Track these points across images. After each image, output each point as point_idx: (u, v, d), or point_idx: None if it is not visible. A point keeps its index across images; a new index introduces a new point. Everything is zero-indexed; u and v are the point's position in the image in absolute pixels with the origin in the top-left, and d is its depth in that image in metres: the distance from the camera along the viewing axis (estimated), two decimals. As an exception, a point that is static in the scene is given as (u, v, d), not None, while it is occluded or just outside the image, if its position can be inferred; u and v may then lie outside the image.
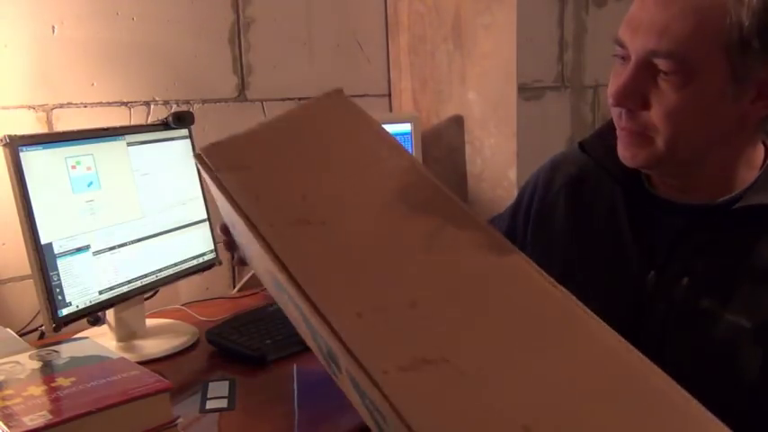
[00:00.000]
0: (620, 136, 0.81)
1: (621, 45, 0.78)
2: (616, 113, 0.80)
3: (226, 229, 0.87)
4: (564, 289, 0.61)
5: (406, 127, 1.59)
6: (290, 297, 0.64)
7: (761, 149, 0.83)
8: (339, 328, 0.56)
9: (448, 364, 0.54)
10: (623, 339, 0.57)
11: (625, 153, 0.81)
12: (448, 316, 0.58)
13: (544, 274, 0.62)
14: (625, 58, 0.78)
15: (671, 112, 0.75)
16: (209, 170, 0.74)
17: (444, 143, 1.69)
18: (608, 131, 0.90)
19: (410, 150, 1.59)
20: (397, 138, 1.62)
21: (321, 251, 0.63)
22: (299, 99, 1.69)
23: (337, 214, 0.67)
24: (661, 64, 0.73)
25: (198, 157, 0.76)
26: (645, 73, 0.75)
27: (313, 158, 0.74)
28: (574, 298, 0.60)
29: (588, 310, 0.59)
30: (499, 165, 1.59)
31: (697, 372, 0.75)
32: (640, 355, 0.57)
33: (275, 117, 0.83)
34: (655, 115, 0.76)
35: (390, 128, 1.58)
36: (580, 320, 0.58)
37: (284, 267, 0.61)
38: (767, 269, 0.77)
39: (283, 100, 1.66)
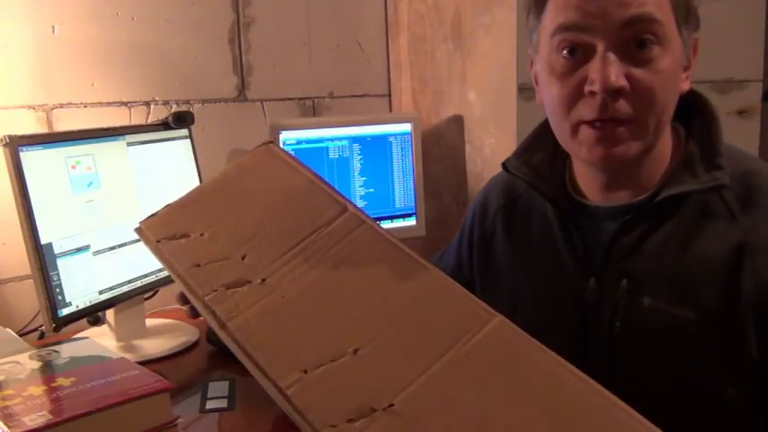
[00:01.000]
0: (597, 136, 0.76)
1: (580, 29, 0.74)
2: (594, 106, 0.74)
3: (184, 297, 0.87)
4: (493, 311, 0.62)
5: (406, 127, 1.59)
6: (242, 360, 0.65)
7: (669, 136, 0.83)
8: (286, 388, 0.57)
9: (393, 411, 0.54)
10: (563, 361, 0.58)
11: (615, 150, 0.76)
12: (389, 359, 0.58)
13: (466, 292, 0.63)
14: (576, 51, 0.75)
15: (659, 84, 0.74)
16: (149, 242, 0.76)
17: (444, 143, 1.69)
18: (529, 149, 0.90)
19: (410, 150, 1.59)
20: (397, 138, 1.61)
21: (263, 310, 0.64)
22: (299, 99, 1.69)
23: (276, 269, 0.67)
24: (640, 34, 0.72)
25: (138, 230, 0.78)
26: (619, 50, 0.73)
27: (250, 216, 0.75)
28: (507, 321, 0.61)
29: (524, 335, 0.59)
30: (499, 165, 1.59)
31: (651, 370, 0.75)
32: (577, 372, 0.58)
33: (210, 180, 0.83)
34: (643, 92, 0.73)
35: (390, 128, 1.58)
36: (519, 347, 0.59)
37: (230, 333, 0.63)
38: (699, 257, 0.77)
39: (283, 100, 1.66)
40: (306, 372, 0.58)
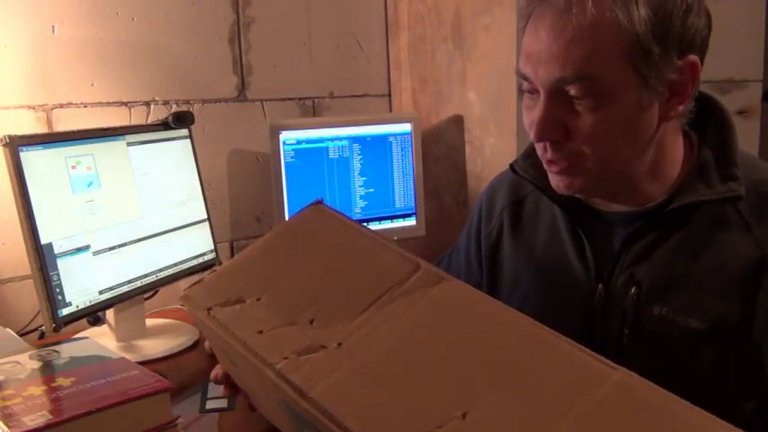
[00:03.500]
0: (549, 168, 0.80)
1: (525, 78, 0.77)
2: (540, 147, 0.79)
3: (226, 376, 0.80)
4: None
5: (406, 127, 1.59)
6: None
7: (681, 144, 0.83)
8: None
9: None
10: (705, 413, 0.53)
11: (559, 184, 0.80)
12: (506, 423, 0.52)
13: (576, 344, 0.57)
14: (532, 92, 0.78)
15: (595, 135, 0.74)
16: (199, 310, 0.69)
17: (444, 143, 1.69)
18: (534, 152, 0.91)
19: (410, 150, 1.59)
20: (397, 138, 1.62)
21: (347, 376, 0.57)
22: (299, 99, 1.69)
23: (351, 333, 0.61)
24: (571, 90, 0.73)
25: (184, 298, 0.71)
26: (557, 102, 0.74)
27: (310, 277, 0.69)
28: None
29: (653, 385, 0.54)
30: (499, 164, 1.59)
31: (660, 379, 0.75)
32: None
33: (258, 242, 0.76)
34: (580, 141, 0.75)
35: (390, 128, 1.58)
36: (651, 399, 0.53)
37: (313, 402, 0.56)
38: (709, 268, 0.77)
39: (283, 100, 1.66)
40: None
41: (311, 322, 0.63)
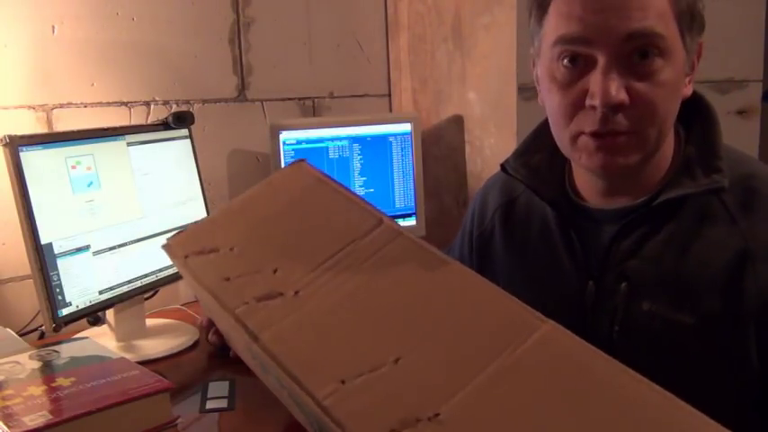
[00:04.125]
0: (598, 146, 0.76)
1: (582, 42, 0.73)
2: (595, 119, 0.74)
3: (210, 322, 0.85)
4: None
5: (406, 127, 1.59)
6: (274, 376, 0.63)
7: (672, 137, 0.83)
8: (323, 399, 0.54)
9: (439, 421, 0.52)
10: (626, 368, 0.56)
11: (616, 159, 0.76)
12: (433, 368, 0.56)
13: (512, 297, 0.62)
14: (577, 62, 0.75)
15: (661, 97, 0.74)
16: (177, 257, 0.74)
17: (444, 143, 1.69)
18: (527, 150, 0.90)
19: (410, 150, 1.59)
20: (397, 138, 1.61)
21: (297, 322, 0.62)
22: (299, 99, 1.69)
23: (309, 282, 0.66)
24: (641, 47, 0.72)
25: (166, 246, 0.76)
26: (621, 63, 0.72)
27: (281, 231, 0.74)
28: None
29: (580, 341, 0.57)
30: (499, 164, 1.59)
31: (650, 374, 0.75)
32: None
33: (239, 197, 0.81)
34: (644, 105, 0.73)
35: (390, 128, 1.58)
36: (573, 354, 0.57)
37: (263, 345, 0.61)
38: (699, 262, 0.77)
39: (283, 100, 1.66)
40: (344, 382, 0.55)
41: (275, 271, 0.68)
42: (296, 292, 0.65)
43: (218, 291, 0.68)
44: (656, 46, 0.72)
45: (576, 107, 0.76)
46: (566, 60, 0.75)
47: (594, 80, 0.73)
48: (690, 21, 0.74)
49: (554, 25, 0.76)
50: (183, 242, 0.76)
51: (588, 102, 0.74)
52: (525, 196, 0.95)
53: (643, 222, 0.80)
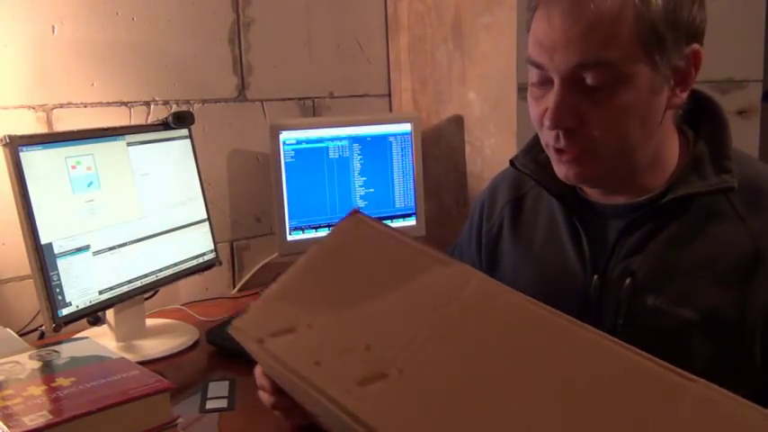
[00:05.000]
0: (560, 158, 0.80)
1: (539, 67, 0.77)
2: (552, 136, 0.79)
3: (274, 386, 0.80)
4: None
5: (406, 127, 1.59)
6: None
7: (676, 138, 0.84)
8: None
9: None
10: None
11: (569, 173, 0.80)
12: None
13: (639, 351, 0.57)
14: (543, 82, 0.78)
15: (610, 120, 0.75)
16: (250, 342, 0.66)
17: (444, 143, 1.69)
18: (536, 146, 0.91)
19: (410, 150, 1.59)
20: (397, 138, 1.62)
21: (416, 407, 0.56)
22: (299, 99, 1.69)
23: (411, 357, 0.59)
24: (588, 76, 0.73)
25: (234, 330, 0.69)
26: (572, 89, 0.75)
27: (356, 296, 0.66)
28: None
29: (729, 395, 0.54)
30: (499, 164, 1.59)
31: None
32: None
33: (297, 263, 0.73)
34: (594, 127, 0.75)
35: (390, 128, 1.58)
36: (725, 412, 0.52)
37: None
38: (703, 258, 0.78)
39: (283, 100, 1.66)
40: None
41: (368, 348, 0.61)
42: (400, 371, 0.58)
43: (312, 377, 0.60)
44: (602, 75, 0.73)
45: (542, 120, 0.79)
46: (534, 77, 0.80)
47: (549, 101, 0.76)
48: (658, 38, 0.73)
49: (529, 43, 0.79)
50: (252, 324, 0.68)
51: (544, 120, 0.78)
52: (534, 192, 0.97)
53: (650, 219, 0.81)
